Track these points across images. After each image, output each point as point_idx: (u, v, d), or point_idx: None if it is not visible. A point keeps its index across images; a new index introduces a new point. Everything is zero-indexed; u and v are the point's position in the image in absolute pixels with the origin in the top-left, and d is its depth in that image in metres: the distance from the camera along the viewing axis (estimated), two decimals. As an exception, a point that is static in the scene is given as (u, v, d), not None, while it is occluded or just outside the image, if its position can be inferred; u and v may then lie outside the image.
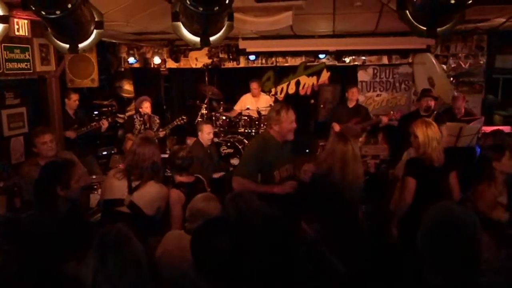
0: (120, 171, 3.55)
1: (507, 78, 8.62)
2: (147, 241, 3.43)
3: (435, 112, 6.28)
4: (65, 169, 3.08)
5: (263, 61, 9.23)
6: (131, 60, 8.98)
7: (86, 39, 3.27)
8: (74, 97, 6.27)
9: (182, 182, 3.76)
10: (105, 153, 7.57)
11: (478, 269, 1.73)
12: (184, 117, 6.98)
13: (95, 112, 7.86)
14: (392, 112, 7.26)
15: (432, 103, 6.22)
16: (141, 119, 6.82)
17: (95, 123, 6.31)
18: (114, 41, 8.22)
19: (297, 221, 2.92)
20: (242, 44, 8.15)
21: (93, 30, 3.27)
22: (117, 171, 3.58)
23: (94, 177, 5.31)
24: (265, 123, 7.60)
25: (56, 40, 3.28)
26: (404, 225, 3.66)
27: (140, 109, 6.83)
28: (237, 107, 8.14)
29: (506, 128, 6.87)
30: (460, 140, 5.61)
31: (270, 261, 2.02)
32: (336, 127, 7.14)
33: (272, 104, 8.06)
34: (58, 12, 2.64)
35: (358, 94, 7.46)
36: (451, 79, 8.56)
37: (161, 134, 6.97)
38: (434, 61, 8.37)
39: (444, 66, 8.59)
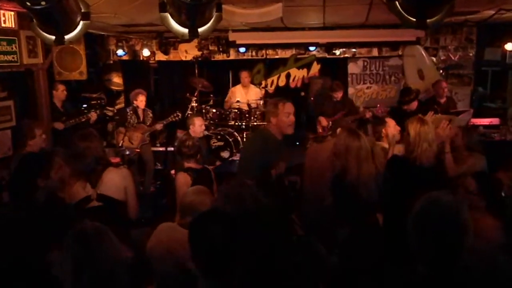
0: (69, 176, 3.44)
1: (496, 71, 8.69)
2: (129, 231, 3.44)
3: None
4: (45, 160, 3.05)
5: (253, 53, 9.19)
6: (120, 52, 8.90)
7: (73, 30, 3.23)
8: (61, 87, 6.20)
9: (190, 167, 3.95)
10: (94, 146, 7.49)
11: (464, 257, 1.74)
12: (179, 114, 6.93)
13: (84, 105, 7.79)
14: (378, 106, 7.23)
15: (415, 105, 6.19)
16: (134, 113, 6.77)
17: (83, 115, 6.25)
18: (102, 33, 8.13)
19: (288, 212, 2.93)
20: (232, 36, 8.10)
21: (79, 21, 3.23)
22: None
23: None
24: (254, 116, 7.64)
25: (42, 32, 3.23)
26: (390, 218, 3.63)
27: (135, 102, 6.78)
28: (227, 99, 8.11)
29: (494, 120, 6.95)
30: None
31: (263, 252, 2.03)
32: (323, 121, 7.13)
33: (262, 97, 8.10)
34: (43, 3, 2.60)
35: (342, 92, 7.42)
36: (441, 71, 8.60)
37: (159, 127, 6.92)
38: (424, 53, 8.40)
39: (434, 59, 8.62)
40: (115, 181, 3.39)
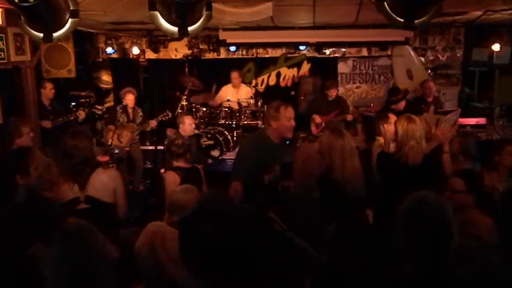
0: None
1: (483, 71, 8.79)
2: (118, 231, 3.42)
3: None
4: (23, 157, 3.00)
5: (244, 52, 9.17)
6: (109, 50, 8.83)
7: (61, 28, 3.20)
8: (49, 86, 6.15)
9: (179, 166, 3.94)
10: (83, 145, 7.43)
11: (450, 257, 1.76)
12: (169, 113, 6.90)
13: (72, 103, 7.72)
14: (372, 105, 7.31)
15: (403, 104, 6.25)
16: (124, 111, 6.73)
17: (72, 114, 6.20)
18: (91, 30, 8.06)
19: (266, 211, 2.93)
20: (222, 35, 8.10)
21: (68, 19, 3.20)
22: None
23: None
24: (245, 115, 7.63)
25: (29, 29, 3.20)
26: (379, 215, 3.67)
27: (124, 100, 6.75)
28: (218, 98, 8.10)
29: (481, 120, 7.04)
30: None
31: (246, 252, 2.03)
32: (317, 119, 7.18)
33: (253, 96, 8.10)
34: (31, 0, 2.58)
35: (336, 90, 7.48)
36: (429, 71, 8.67)
37: (153, 124, 6.87)
38: (412, 53, 8.46)
39: (422, 59, 8.69)
40: (104, 183, 3.36)
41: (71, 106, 7.42)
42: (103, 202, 3.33)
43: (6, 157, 3.08)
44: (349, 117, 7.19)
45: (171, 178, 3.80)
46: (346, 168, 3.31)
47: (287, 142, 7.57)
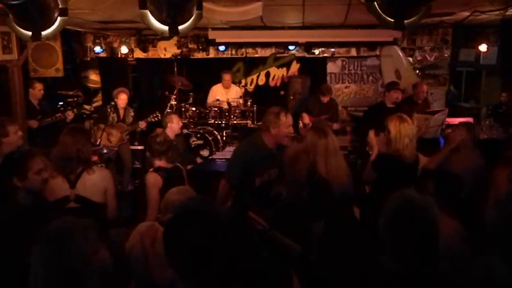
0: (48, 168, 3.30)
1: (470, 71, 8.89)
2: (107, 231, 3.39)
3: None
4: (21, 160, 2.98)
5: (233, 51, 9.17)
6: (97, 49, 8.75)
7: (50, 26, 3.17)
8: (39, 86, 6.09)
9: (160, 167, 3.78)
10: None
11: (434, 256, 1.77)
12: (158, 114, 6.85)
13: (60, 103, 7.64)
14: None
15: (399, 96, 6.32)
16: (115, 111, 6.68)
17: (59, 114, 6.14)
18: (79, 29, 7.99)
19: (246, 211, 2.94)
20: (211, 35, 8.08)
21: (57, 17, 3.17)
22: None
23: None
24: (234, 114, 7.61)
25: (18, 27, 3.17)
26: (368, 215, 3.70)
27: (116, 100, 6.69)
28: (210, 100, 8.07)
29: (468, 120, 7.12)
30: (426, 131, 5.76)
31: (227, 252, 2.04)
32: (306, 118, 7.19)
33: (242, 96, 8.10)
34: (19, -2, 2.55)
35: (330, 97, 7.45)
36: (417, 71, 8.75)
37: (142, 125, 6.82)
38: (400, 53, 8.54)
39: (410, 59, 8.77)
40: (95, 183, 3.33)
41: (58, 106, 7.35)
42: (93, 202, 3.30)
43: (7, 159, 3.05)
44: (336, 126, 7.18)
45: (153, 180, 3.65)
46: (329, 166, 3.37)
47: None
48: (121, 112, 6.73)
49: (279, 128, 3.65)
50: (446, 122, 6.26)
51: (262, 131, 3.78)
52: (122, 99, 6.67)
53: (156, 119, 6.83)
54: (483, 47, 7.75)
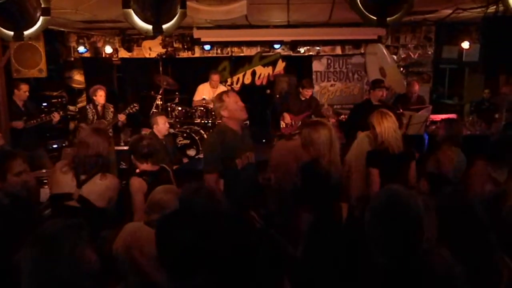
0: (66, 164, 3.41)
1: (453, 68, 9.02)
2: (101, 234, 3.37)
3: (391, 101, 6.51)
4: (1, 161, 2.94)
5: (219, 51, 9.15)
6: (81, 49, 8.64)
7: (32, 26, 3.14)
8: (24, 87, 6.00)
9: (145, 171, 3.69)
10: (55, 146, 7.30)
11: (420, 249, 1.80)
12: (136, 105, 6.75)
13: (44, 104, 7.56)
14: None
15: (384, 94, 6.37)
16: (94, 109, 6.61)
17: (44, 115, 6.07)
18: (62, 29, 7.91)
19: (246, 210, 2.94)
20: (196, 34, 8.06)
21: (39, 17, 3.14)
22: (63, 164, 3.43)
23: (44, 171, 5.11)
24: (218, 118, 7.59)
25: (-1, 27, 3.13)
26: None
27: (94, 98, 6.61)
28: (196, 98, 8.05)
29: (451, 116, 7.22)
30: (409, 128, 5.83)
31: (228, 252, 2.04)
32: (287, 118, 7.14)
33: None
34: (0, -3, 2.52)
35: (311, 91, 7.40)
36: (401, 69, 8.85)
37: (121, 118, 6.70)
38: (385, 51, 8.61)
39: (395, 57, 8.86)
40: (103, 189, 3.32)
41: (43, 107, 7.27)
42: (94, 206, 3.29)
43: None
44: (333, 120, 7.08)
45: (138, 185, 3.54)
46: (333, 155, 3.40)
47: (263, 141, 7.68)
48: (100, 109, 6.64)
49: (227, 108, 3.64)
50: (430, 119, 6.34)
51: (221, 120, 3.81)
52: (100, 95, 6.54)
53: (135, 109, 6.71)
54: (465, 44, 7.83)
